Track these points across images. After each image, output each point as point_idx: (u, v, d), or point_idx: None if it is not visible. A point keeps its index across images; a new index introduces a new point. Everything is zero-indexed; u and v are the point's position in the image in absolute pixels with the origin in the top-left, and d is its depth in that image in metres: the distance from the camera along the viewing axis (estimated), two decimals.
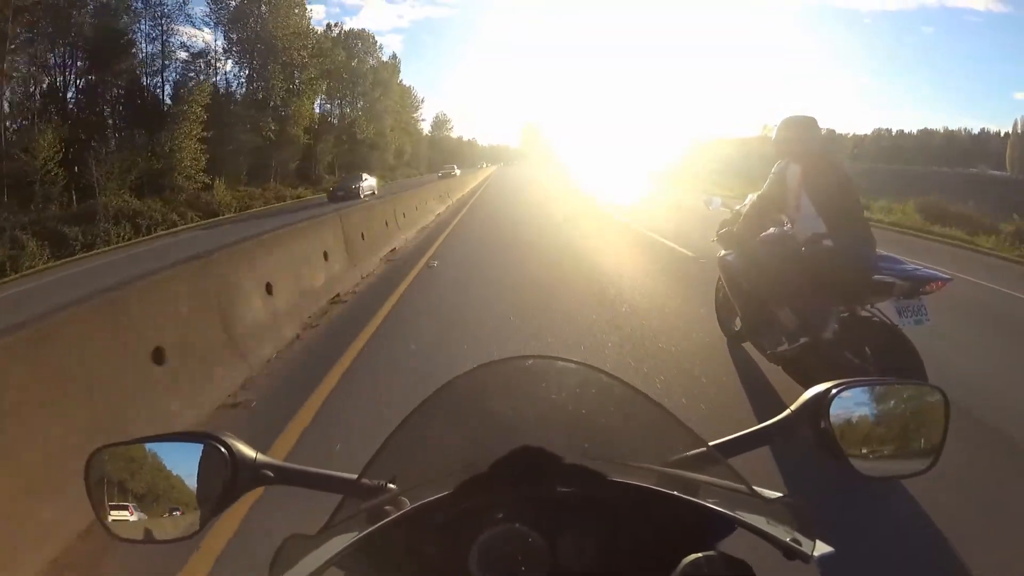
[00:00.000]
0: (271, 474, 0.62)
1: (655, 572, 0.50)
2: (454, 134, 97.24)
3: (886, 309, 2.68)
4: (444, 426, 0.67)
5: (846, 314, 2.67)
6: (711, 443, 0.62)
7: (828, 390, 0.59)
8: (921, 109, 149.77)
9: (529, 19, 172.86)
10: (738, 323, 3.62)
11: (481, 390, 0.67)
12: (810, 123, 3.00)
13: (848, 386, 0.59)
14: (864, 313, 2.63)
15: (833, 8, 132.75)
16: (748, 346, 3.55)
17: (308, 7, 39.97)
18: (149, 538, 0.61)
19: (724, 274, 3.60)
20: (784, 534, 0.52)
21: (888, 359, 2.51)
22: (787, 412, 0.62)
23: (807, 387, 2.13)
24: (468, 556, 0.51)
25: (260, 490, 0.65)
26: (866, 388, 0.60)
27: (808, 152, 2.86)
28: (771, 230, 3.18)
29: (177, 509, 0.61)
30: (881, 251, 2.72)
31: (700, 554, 0.48)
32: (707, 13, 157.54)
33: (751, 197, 3.43)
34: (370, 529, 0.52)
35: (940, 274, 2.62)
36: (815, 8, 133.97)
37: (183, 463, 0.61)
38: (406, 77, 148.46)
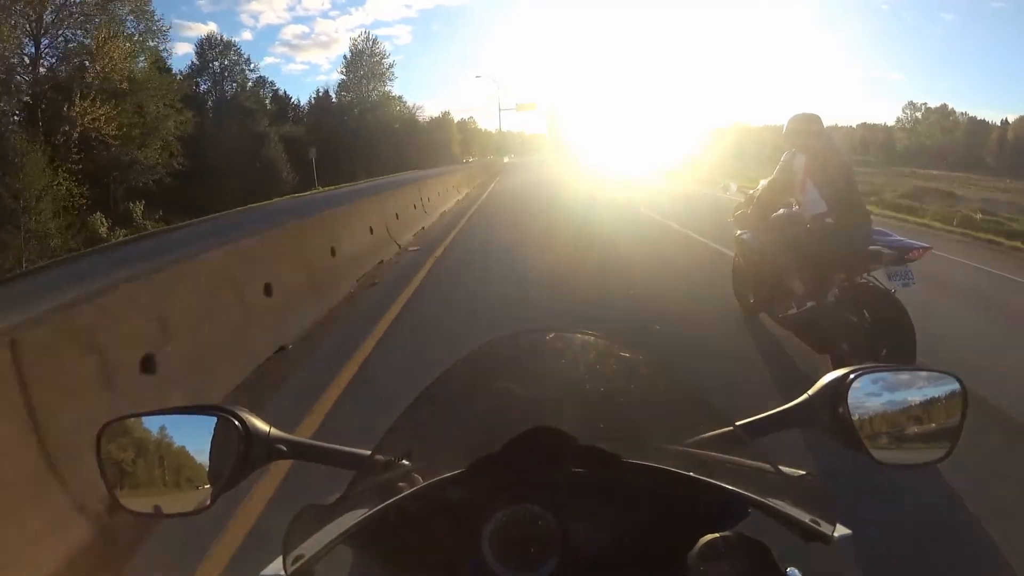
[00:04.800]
0: (284, 448, 0.58)
1: (671, 553, 0.49)
2: (423, 109, 58.11)
3: (880, 277, 2.95)
4: (460, 402, 0.62)
5: (846, 281, 2.94)
6: (737, 423, 0.58)
7: (846, 375, 0.56)
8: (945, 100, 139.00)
9: (545, 7, 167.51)
10: (752, 296, 3.87)
11: (499, 363, 0.62)
12: (815, 118, 3.32)
13: (865, 372, 0.56)
14: (861, 280, 2.90)
15: None
16: (762, 316, 3.84)
17: None
18: (159, 512, 0.57)
19: (740, 250, 3.93)
20: (804, 516, 0.48)
21: (881, 319, 2.78)
22: (805, 396, 0.58)
23: (814, 347, 2.21)
24: (480, 535, 0.49)
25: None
26: (883, 374, 0.57)
27: (813, 143, 3.17)
28: (780, 211, 3.46)
29: (189, 483, 0.56)
30: (876, 227, 3.03)
31: (717, 535, 0.46)
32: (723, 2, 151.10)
33: (763, 183, 3.66)
34: (381, 505, 0.49)
35: (920, 243, 2.90)
36: None
37: (196, 436, 0.56)
38: (415, 69, 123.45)
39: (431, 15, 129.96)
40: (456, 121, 72.82)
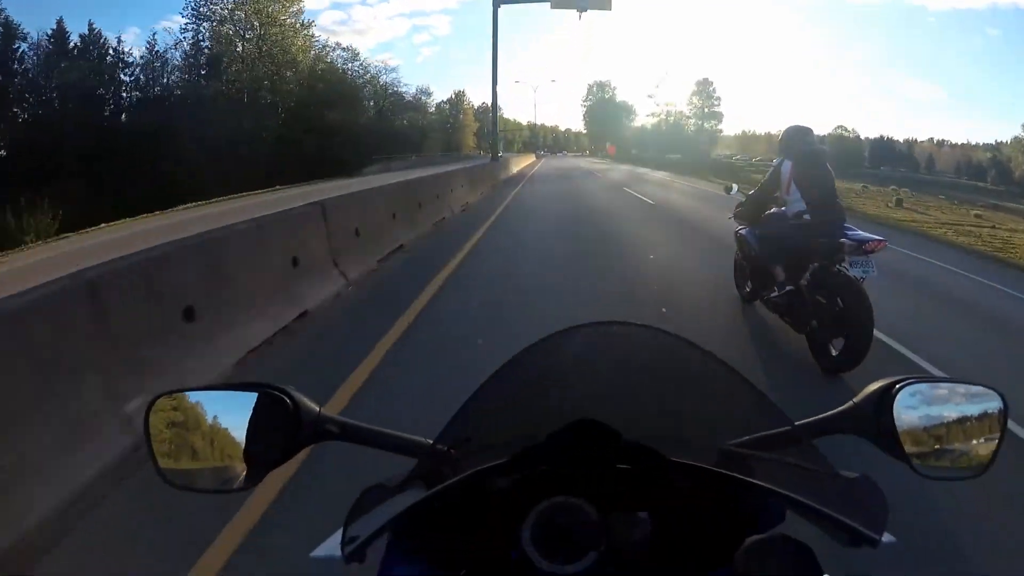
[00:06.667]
0: (335, 429, 0.58)
1: (713, 552, 0.49)
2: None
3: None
4: (517, 394, 0.62)
5: (820, 270, 3.37)
6: (796, 423, 0.57)
7: (892, 384, 0.56)
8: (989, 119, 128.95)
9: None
10: (749, 286, 4.40)
11: (557, 358, 0.62)
12: (806, 130, 3.83)
13: (910, 382, 0.55)
14: (834, 269, 3.31)
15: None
16: (757, 304, 4.34)
17: None
18: (202, 487, 0.56)
19: (738, 244, 4.44)
20: (851, 520, 0.47)
21: (846, 303, 3.17)
22: (850, 403, 0.58)
23: (793, 326, 2.60)
24: (521, 526, 0.48)
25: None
26: (928, 385, 0.56)
27: (799, 151, 3.67)
28: (772, 209, 3.97)
29: (235, 460, 0.55)
30: (848, 224, 3.43)
31: (761, 535, 0.46)
32: (766, 10, 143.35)
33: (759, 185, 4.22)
34: (425, 495, 0.49)
35: (876, 237, 3.31)
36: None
37: (244, 413, 0.54)
38: (453, 61, 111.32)
39: (470, 6, 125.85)
40: (476, 107, 55.79)
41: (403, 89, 42.67)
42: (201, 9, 35.08)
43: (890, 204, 19.02)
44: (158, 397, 0.56)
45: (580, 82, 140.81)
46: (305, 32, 35.21)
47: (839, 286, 3.31)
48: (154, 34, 42.31)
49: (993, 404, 0.57)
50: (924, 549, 1.77)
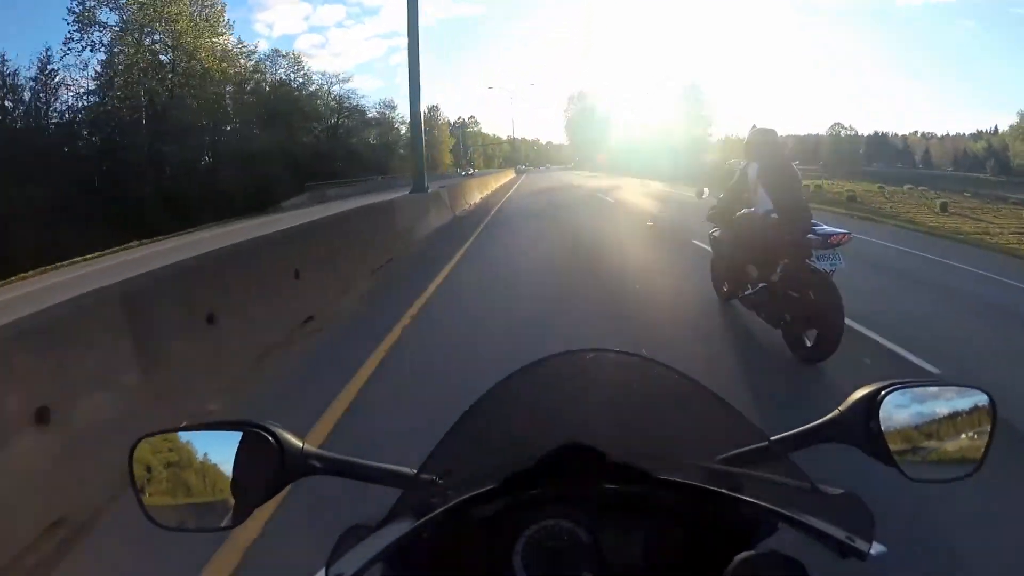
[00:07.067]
0: (318, 464, 0.62)
1: (705, 569, 0.53)
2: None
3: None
4: (501, 421, 0.67)
5: (791, 265, 3.75)
6: (772, 438, 0.61)
7: (878, 391, 0.60)
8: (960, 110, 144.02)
9: (562, 17, 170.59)
10: (726, 286, 4.80)
11: (540, 384, 0.67)
12: (770, 132, 4.26)
13: (896, 387, 0.60)
14: (804, 264, 3.67)
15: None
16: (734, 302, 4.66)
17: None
18: (189, 526, 0.60)
19: (712, 245, 4.89)
20: (839, 532, 0.51)
21: (818, 295, 3.52)
22: (836, 411, 0.62)
23: (767, 321, 3.07)
24: (512, 551, 0.53)
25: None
26: (914, 389, 0.61)
27: (764, 153, 4.10)
28: (743, 211, 4.35)
29: (220, 498, 0.58)
30: (814, 220, 3.81)
31: (752, 552, 0.50)
32: (737, 11, 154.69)
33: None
34: (415, 524, 0.52)
35: (839, 230, 3.69)
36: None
37: (228, 452, 0.58)
38: (431, 79, 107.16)
39: (447, 25, 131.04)
40: (452, 121, 53.34)
41: (362, 103, 36.50)
42: (84, 13, 30.38)
43: (935, 210, 17.30)
44: (141, 439, 0.59)
45: (575, 82, 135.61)
46: (212, 31, 29.76)
47: (809, 280, 3.68)
48: (47, 50, 33.31)
49: (981, 403, 0.61)
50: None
